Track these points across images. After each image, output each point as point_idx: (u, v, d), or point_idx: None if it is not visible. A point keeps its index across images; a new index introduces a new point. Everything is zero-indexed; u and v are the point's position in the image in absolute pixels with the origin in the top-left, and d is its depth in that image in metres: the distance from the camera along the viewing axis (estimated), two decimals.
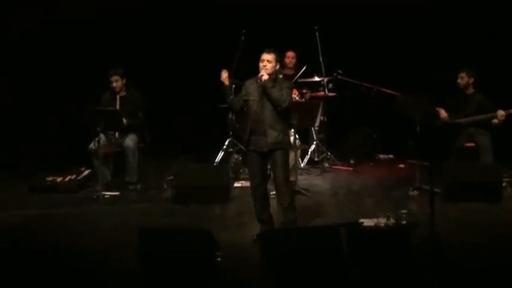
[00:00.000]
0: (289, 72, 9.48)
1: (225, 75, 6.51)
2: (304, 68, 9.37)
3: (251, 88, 6.37)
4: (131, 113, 8.35)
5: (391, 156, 10.12)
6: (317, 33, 9.45)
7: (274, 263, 5.49)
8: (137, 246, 5.57)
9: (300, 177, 8.46)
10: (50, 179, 8.51)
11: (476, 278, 5.36)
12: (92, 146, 8.16)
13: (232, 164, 8.86)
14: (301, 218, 6.50)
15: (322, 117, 9.46)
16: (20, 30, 9.93)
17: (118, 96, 8.41)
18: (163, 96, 10.19)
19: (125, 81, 8.44)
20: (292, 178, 7.41)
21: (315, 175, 9.23)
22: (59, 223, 7.15)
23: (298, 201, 6.80)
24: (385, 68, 9.83)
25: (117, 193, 8.21)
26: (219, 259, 5.56)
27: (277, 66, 6.40)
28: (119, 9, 10.05)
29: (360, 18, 10.12)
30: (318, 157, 9.68)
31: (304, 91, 9.44)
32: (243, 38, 9.14)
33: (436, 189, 6.52)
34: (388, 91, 9.05)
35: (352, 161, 9.67)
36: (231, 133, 9.35)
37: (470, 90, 8.45)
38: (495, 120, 8.22)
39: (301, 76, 9.47)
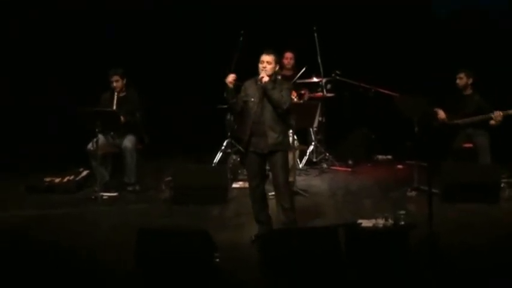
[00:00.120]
0: (287, 73, 9.47)
1: (231, 78, 6.44)
2: (304, 69, 9.37)
3: (250, 90, 6.36)
4: (129, 112, 8.34)
5: (389, 157, 10.12)
6: (315, 34, 9.46)
7: (272, 263, 5.49)
8: (135, 247, 5.57)
9: (298, 178, 8.46)
10: (48, 179, 8.51)
11: (474, 278, 5.36)
12: (90, 146, 8.15)
13: (231, 165, 8.85)
14: (300, 219, 6.50)
15: (320, 118, 9.46)
16: (20, 30, 9.95)
17: (115, 96, 8.38)
18: (163, 96, 10.19)
19: (125, 81, 8.43)
20: (290, 179, 7.39)
21: (313, 176, 9.23)
22: (57, 224, 7.15)
23: (296, 202, 6.80)
24: (383, 69, 9.85)
25: (115, 194, 8.21)
26: (217, 260, 5.57)
27: (277, 68, 6.39)
28: (119, 10, 10.07)
29: (358, 19, 10.13)
30: (316, 158, 9.68)
31: (302, 92, 9.44)
32: (241, 38, 9.14)
33: (434, 190, 6.53)
34: (386, 92, 9.05)
35: (350, 162, 9.67)
36: (229, 134, 9.35)
37: (469, 91, 8.45)
38: (492, 121, 8.22)
39: (300, 77, 9.47)
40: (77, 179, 8.60)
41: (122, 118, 8.17)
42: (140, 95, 8.54)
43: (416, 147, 8.01)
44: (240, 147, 8.34)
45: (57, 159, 9.40)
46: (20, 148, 9.65)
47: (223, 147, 9.33)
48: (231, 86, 6.36)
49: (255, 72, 6.35)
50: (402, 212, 5.95)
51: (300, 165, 9.36)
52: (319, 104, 9.09)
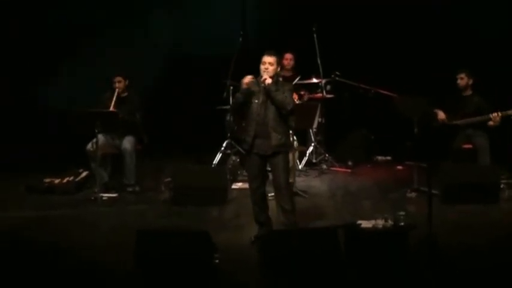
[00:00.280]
0: (287, 74, 9.46)
1: (247, 79, 6.38)
2: (299, 77, 9.33)
3: (253, 90, 6.35)
4: (130, 113, 8.34)
5: (389, 157, 10.11)
6: (315, 35, 9.46)
7: (272, 264, 5.49)
8: (135, 248, 5.57)
9: (297, 179, 8.45)
10: (47, 180, 8.50)
11: (474, 279, 5.37)
12: (89, 147, 8.15)
13: (230, 166, 8.84)
14: (299, 220, 6.49)
15: (320, 119, 9.46)
16: (20, 30, 9.95)
17: (115, 97, 8.35)
18: (163, 96, 10.19)
19: (127, 82, 8.43)
20: (290, 180, 7.40)
21: (312, 177, 9.23)
22: (56, 224, 7.15)
23: (296, 203, 6.79)
24: (382, 70, 9.84)
25: (114, 195, 8.20)
26: (216, 261, 5.57)
27: (278, 69, 6.39)
28: (119, 9, 10.07)
29: (357, 20, 10.12)
30: (315, 159, 9.68)
31: (302, 93, 9.44)
32: (240, 39, 9.14)
33: (434, 191, 6.53)
34: (386, 92, 9.05)
35: (350, 163, 9.67)
36: (229, 135, 9.35)
37: (469, 92, 8.45)
38: (491, 122, 8.21)
39: (299, 78, 9.46)
40: (77, 179, 8.60)
41: (121, 115, 8.14)
42: (141, 97, 8.55)
43: (416, 148, 8.01)
44: (239, 148, 8.34)
45: (57, 159, 9.39)
46: (20, 148, 9.64)
47: (223, 148, 9.32)
48: (244, 86, 6.33)
49: (255, 72, 6.35)
50: (402, 212, 5.95)
51: (300, 166, 9.35)
52: (319, 105, 9.09)
